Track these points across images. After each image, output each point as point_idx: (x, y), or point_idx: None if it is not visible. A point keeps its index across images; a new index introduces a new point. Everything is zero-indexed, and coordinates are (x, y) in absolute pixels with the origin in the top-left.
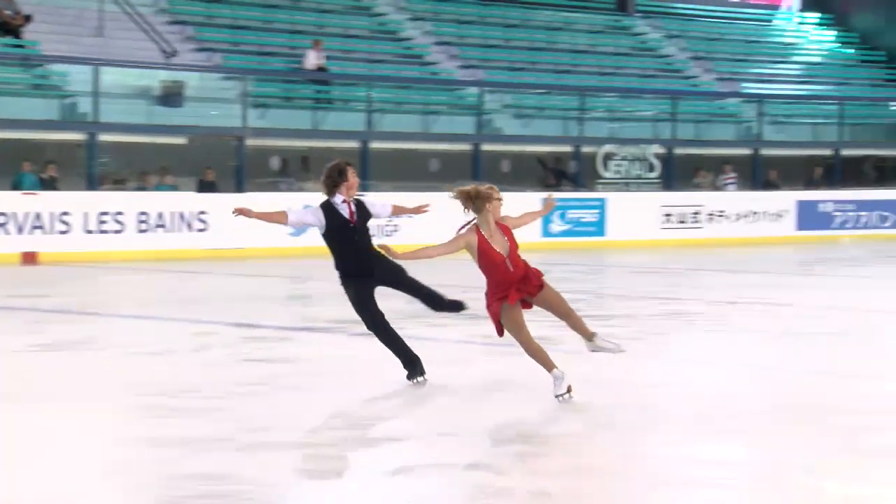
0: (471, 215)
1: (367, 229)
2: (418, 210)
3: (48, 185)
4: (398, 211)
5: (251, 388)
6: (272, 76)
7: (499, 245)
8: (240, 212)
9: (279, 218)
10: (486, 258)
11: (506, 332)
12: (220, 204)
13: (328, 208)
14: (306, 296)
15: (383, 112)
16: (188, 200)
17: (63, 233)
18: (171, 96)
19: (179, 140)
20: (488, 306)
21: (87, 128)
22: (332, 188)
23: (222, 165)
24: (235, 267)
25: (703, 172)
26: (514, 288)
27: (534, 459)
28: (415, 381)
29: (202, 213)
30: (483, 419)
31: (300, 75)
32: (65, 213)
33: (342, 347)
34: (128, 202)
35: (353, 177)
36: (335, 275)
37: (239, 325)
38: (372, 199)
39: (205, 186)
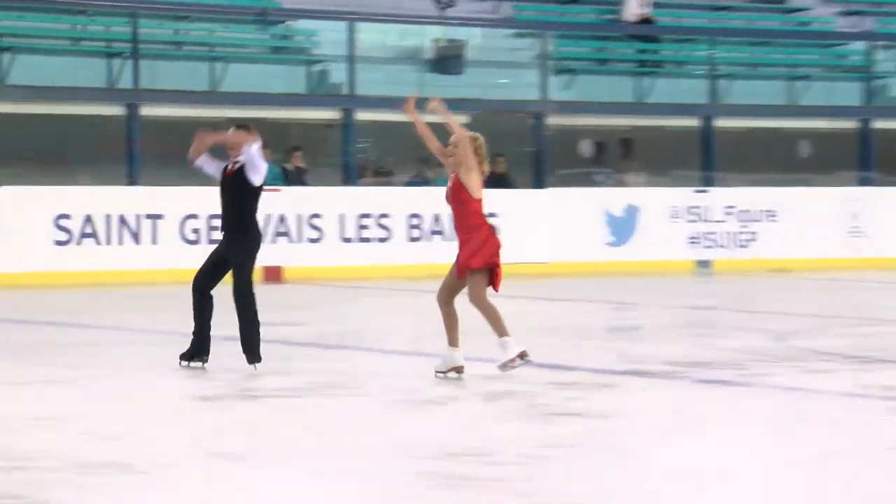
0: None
1: (236, 189)
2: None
3: (294, 178)
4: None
5: (559, 451)
6: (580, 32)
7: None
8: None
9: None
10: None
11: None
12: (516, 203)
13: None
14: (633, 328)
15: (732, 78)
16: None
17: (314, 241)
18: (447, 60)
19: (459, 118)
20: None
21: (340, 102)
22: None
23: (515, 151)
24: (535, 288)
25: None
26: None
27: None
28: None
29: (491, 215)
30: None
31: (618, 30)
32: (315, 216)
33: (680, 399)
34: (396, 201)
35: (230, 136)
36: (668, 300)
37: (543, 365)
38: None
39: (494, 180)
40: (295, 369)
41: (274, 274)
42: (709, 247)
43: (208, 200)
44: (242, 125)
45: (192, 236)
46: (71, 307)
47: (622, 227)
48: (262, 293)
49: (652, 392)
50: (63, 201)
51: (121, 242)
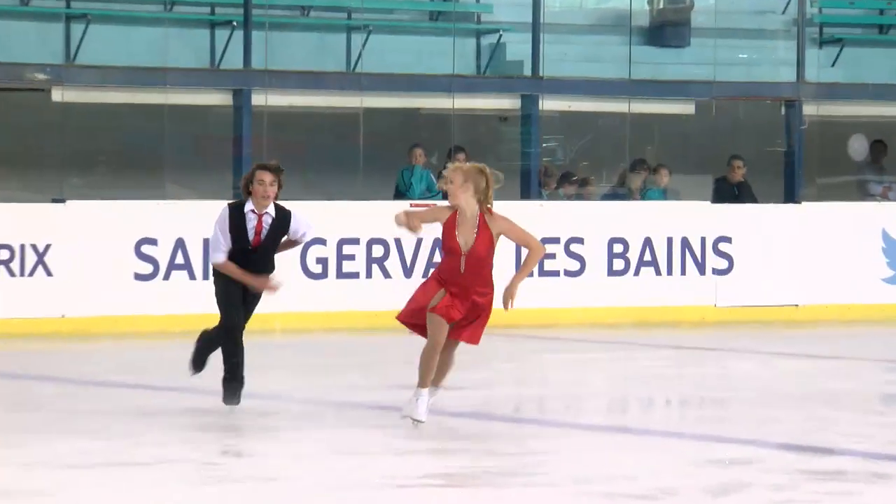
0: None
1: (272, 249)
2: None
3: None
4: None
5: None
6: None
7: (463, 237)
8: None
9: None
10: (444, 241)
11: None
12: (757, 221)
13: (235, 218)
14: None
15: None
16: (693, 216)
17: None
18: (667, 29)
19: (681, 108)
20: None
21: (520, 87)
22: (244, 192)
23: (759, 152)
24: (782, 340)
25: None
26: (453, 299)
27: None
28: (230, 407)
29: (722, 239)
30: None
31: None
32: None
33: None
34: (591, 220)
35: (260, 185)
36: None
37: (792, 447)
38: (301, 219)
39: (727, 191)
40: (454, 448)
41: None
42: None
43: (336, 219)
44: (277, 168)
45: (316, 269)
46: (161, 361)
47: None
48: (415, 344)
49: None
50: (148, 221)
51: None
